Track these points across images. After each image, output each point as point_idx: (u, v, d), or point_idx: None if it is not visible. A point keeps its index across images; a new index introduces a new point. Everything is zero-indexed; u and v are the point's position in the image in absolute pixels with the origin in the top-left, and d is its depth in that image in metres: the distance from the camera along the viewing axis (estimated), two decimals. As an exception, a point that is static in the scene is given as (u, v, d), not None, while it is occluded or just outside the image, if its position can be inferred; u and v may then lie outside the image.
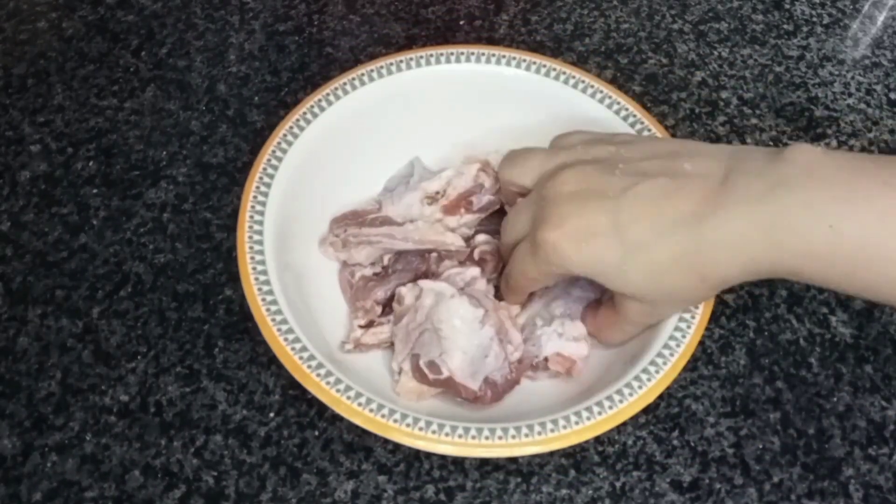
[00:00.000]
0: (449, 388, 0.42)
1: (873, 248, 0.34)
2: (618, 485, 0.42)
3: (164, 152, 0.55)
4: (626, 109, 0.49)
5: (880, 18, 0.65)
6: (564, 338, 0.43)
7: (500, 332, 0.43)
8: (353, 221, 0.48)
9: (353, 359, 0.44)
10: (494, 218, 0.50)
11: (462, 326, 0.43)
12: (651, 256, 0.37)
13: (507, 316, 0.45)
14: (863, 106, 0.59)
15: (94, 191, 0.53)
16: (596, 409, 0.39)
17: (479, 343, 0.43)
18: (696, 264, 0.37)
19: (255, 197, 0.45)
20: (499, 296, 0.47)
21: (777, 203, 0.35)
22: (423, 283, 0.44)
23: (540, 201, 0.40)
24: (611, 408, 0.39)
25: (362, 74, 0.50)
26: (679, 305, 0.41)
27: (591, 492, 0.42)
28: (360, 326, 0.45)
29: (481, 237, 0.48)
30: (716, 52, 0.62)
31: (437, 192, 0.48)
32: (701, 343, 0.46)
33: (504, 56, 0.51)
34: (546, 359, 0.43)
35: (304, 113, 0.48)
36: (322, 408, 0.43)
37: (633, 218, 0.37)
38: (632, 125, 0.49)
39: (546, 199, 0.40)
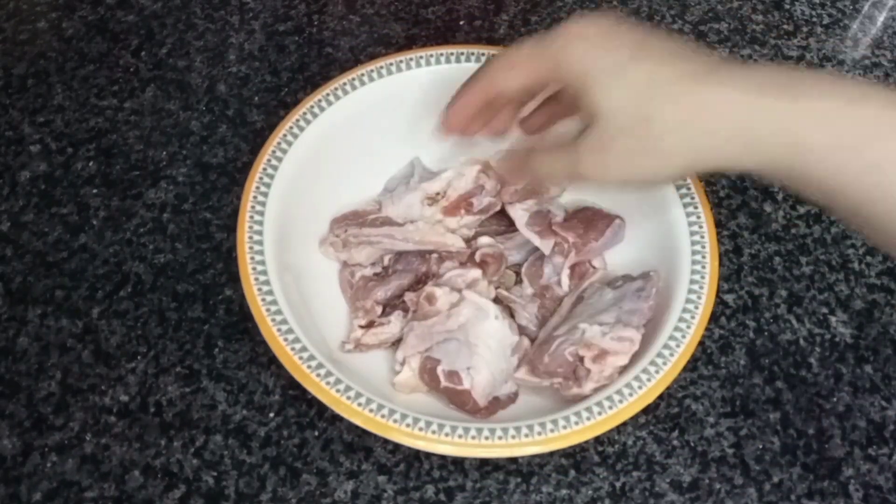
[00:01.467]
0: (455, 397, 0.42)
1: (893, 124, 0.33)
2: (618, 485, 0.42)
3: (164, 152, 0.55)
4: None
5: (880, 19, 0.65)
6: (609, 336, 0.41)
7: (520, 360, 0.44)
8: (353, 222, 0.48)
9: (352, 359, 0.44)
10: (494, 220, 0.50)
11: (496, 349, 0.43)
12: (655, 69, 0.36)
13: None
14: (863, 106, 0.59)
15: (94, 191, 0.53)
16: (596, 409, 0.39)
17: (505, 368, 0.43)
18: (694, 93, 0.35)
19: (255, 197, 0.45)
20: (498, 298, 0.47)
21: (800, 72, 0.37)
22: (467, 293, 0.44)
23: (564, 20, 0.39)
24: (611, 408, 0.39)
25: (362, 74, 0.50)
26: (637, 159, 0.37)
27: (591, 492, 0.42)
28: (361, 326, 0.45)
29: (484, 240, 0.48)
30: (716, 53, 0.62)
31: (438, 193, 0.48)
32: (701, 343, 0.46)
33: (504, 56, 0.51)
34: (581, 358, 0.41)
35: (304, 113, 0.48)
36: (322, 408, 0.43)
37: (654, 40, 0.37)
38: (632, 125, 0.49)
39: (571, 17, 0.39)
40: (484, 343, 0.42)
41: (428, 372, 0.42)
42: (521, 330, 0.46)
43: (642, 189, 0.40)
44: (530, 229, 0.48)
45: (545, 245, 0.47)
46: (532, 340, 0.45)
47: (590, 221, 0.47)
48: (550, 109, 0.45)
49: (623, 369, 0.41)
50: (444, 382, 0.42)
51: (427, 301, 0.44)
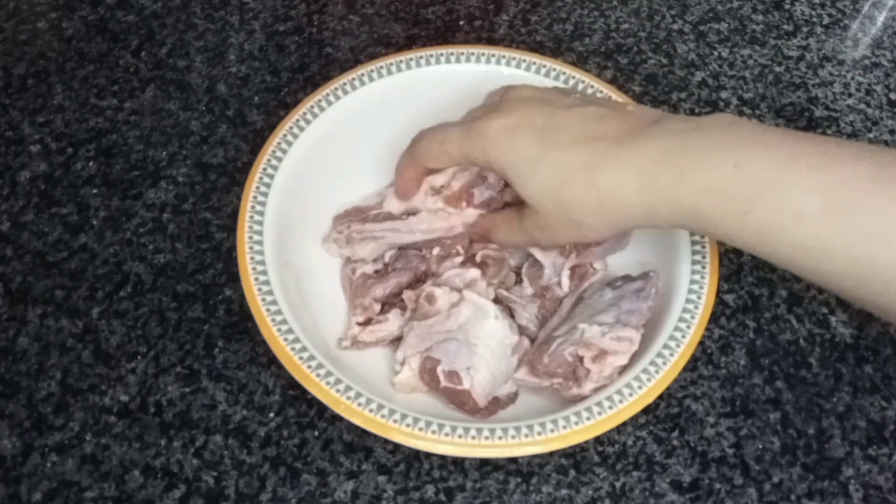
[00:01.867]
0: (455, 397, 0.42)
1: (773, 185, 0.35)
2: (618, 485, 0.42)
3: (164, 152, 0.55)
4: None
5: (880, 19, 0.65)
6: (609, 336, 0.41)
7: (520, 361, 0.44)
8: (356, 218, 0.48)
9: (352, 359, 0.44)
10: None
11: (496, 349, 0.43)
12: (560, 158, 0.39)
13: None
14: (862, 106, 0.59)
15: (94, 191, 0.53)
16: (596, 409, 0.39)
17: (505, 369, 0.43)
18: (598, 180, 0.38)
19: (254, 197, 0.45)
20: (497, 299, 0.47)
21: (691, 139, 0.37)
22: (467, 293, 0.44)
23: (496, 100, 0.43)
24: (611, 408, 0.39)
25: (362, 74, 0.50)
26: (573, 231, 0.41)
27: (591, 492, 0.42)
28: (358, 324, 0.45)
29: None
30: (716, 53, 0.62)
31: (442, 186, 0.48)
32: (701, 343, 0.46)
33: (504, 56, 0.51)
34: (581, 358, 0.41)
35: (304, 113, 0.48)
36: (322, 408, 0.43)
37: (564, 124, 0.39)
38: (632, 125, 0.49)
39: (503, 98, 0.42)
40: (484, 343, 0.42)
41: (428, 372, 0.42)
42: (522, 330, 0.46)
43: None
44: None
45: (545, 256, 0.47)
46: (532, 341, 0.45)
47: None
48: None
49: (623, 369, 0.41)
50: (443, 382, 0.42)
51: (427, 301, 0.44)
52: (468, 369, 0.42)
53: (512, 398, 0.43)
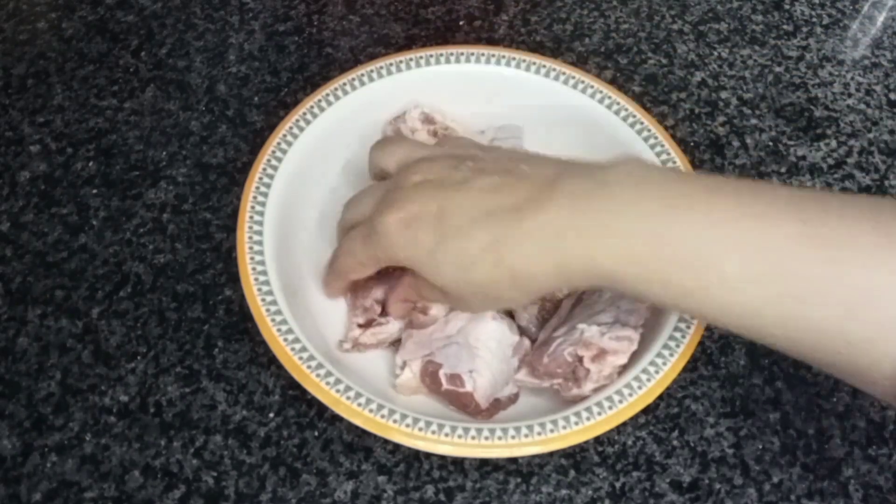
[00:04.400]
0: (457, 399, 0.42)
1: (692, 252, 0.34)
2: (618, 485, 0.42)
3: (164, 152, 0.55)
4: (626, 110, 0.49)
5: (880, 19, 0.65)
6: (608, 336, 0.41)
7: (521, 362, 0.44)
8: None
9: (352, 359, 0.44)
10: None
11: (497, 350, 0.43)
12: (461, 245, 0.37)
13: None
14: (862, 106, 0.59)
15: (94, 191, 0.53)
16: (596, 409, 0.39)
17: (506, 370, 0.43)
18: (505, 258, 0.37)
19: (254, 197, 0.45)
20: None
21: (597, 203, 0.35)
22: None
23: (390, 186, 0.41)
24: (611, 408, 0.39)
25: (362, 74, 0.50)
26: (493, 303, 0.41)
27: (590, 492, 0.42)
28: (359, 325, 0.45)
29: None
30: (715, 53, 0.62)
31: None
32: (701, 343, 0.46)
33: (504, 56, 0.51)
34: (581, 358, 0.41)
35: (304, 113, 0.48)
36: (322, 408, 0.43)
37: (457, 206, 0.38)
38: (631, 125, 0.49)
39: (395, 186, 0.40)
40: (484, 345, 0.42)
41: (429, 375, 0.42)
42: (522, 331, 0.46)
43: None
44: None
45: None
46: (532, 342, 0.45)
47: None
48: None
49: (622, 369, 0.41)
50: (446, 385, 0.42)
51: (421, 313, 0.44)
52: (471, 372, 0.41)
53: (513, 399, 0.43)
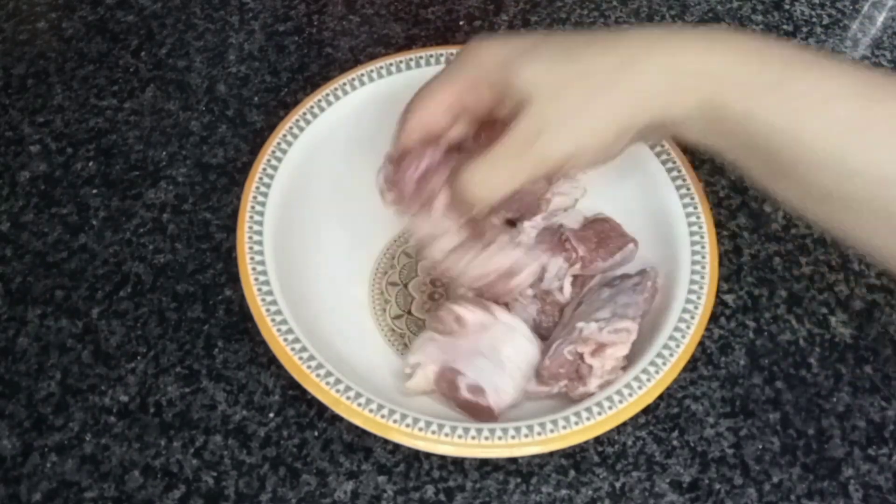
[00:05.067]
0: (473, 409, 0.41)
1: (801, 68, 0.35)
2: (617, 485, 0.42)
3: (164, 152, 0.55)
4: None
5: (880, 19, 0.65)
6: (606, 330, 0.41)
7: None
8: None
9: (352, 359, 0.44)
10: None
11: (527, 370, 0.42)
12: (559, 39, 0.38)
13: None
14: (862, 106, 0.59)
15: (94, 191, 0.53)
16: (596, 409, 0.39)
17: (524, 386, 0.43)
18: (620, 45, 0.37)
19: (254, 197, 0.45)
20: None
21: (712, 33, 0.37)
22: (499, 314, 0.43)
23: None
24: (611, 408, 0.39)
25: (362, 75, 0.50)
26: (570, 125, 0.37)
27: (590, 492, 0.42)
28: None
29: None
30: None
31: None
32: (701, 343, 0.46)
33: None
34: (581, 354, 0.41)
35: (304, 113, 0.48)
36: (322, 408, 0.43)
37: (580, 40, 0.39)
38: (632, 125, 0.49)
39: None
40: (516, 365, 0.42)
41: (447, 381, 0.41)
42: None
43: (593, 164, 0.39)
44: (539, 248, 0.46)
45: (555, 262, 0.46)
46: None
47: (604, 238, 0.47)
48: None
49: (627, 362, 0.41)
50: (465, 394, 0.41)
51: (456, 323, 0.43)
52: (496, 390, 0.41)
53: (514, 404, 0.43)
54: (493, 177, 0.38)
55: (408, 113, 0.41)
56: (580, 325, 0.42)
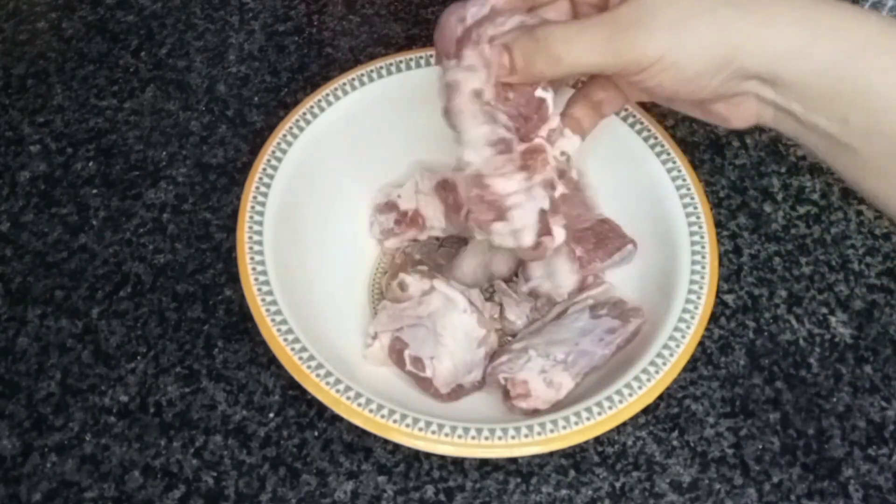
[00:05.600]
0: (418, 381, 0.43)
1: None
2: (617, 485, 0.42)
3: (164, 152, 0.55)
4: (626, 109, 0.49)
5: (880, 19, 0.65)
6: (543, 378, 0.41)
7: (488, 354, 0.44)
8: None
9: (352, 359, 0.44)
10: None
11: (462, 341, 0.43)
12: None
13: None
14: (862, 106, 0.59)
15: (94, 191, 0.53)
16: (596, 409, 0.39)
17: (470, 360, 0.43)
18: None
19: (254, 197, 0.45)
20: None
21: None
22: (437, 283, 0.44)
23: None
24: (611, 408, 0.39)
25: (362, 75, 0.50)
26: (663, 19, 0.34)
27: (590, 492, 0.42)
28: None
29: None
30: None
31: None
32: (701, 343, 0.46)
33: (504, 56, 0.51)
34: (505, 380, 0.42)
35: (304, 113, 0.48)
36: (322, 408, 0.43)
37: None
38: (631, 125, 0.49)
39: None
40: (451, 335, 0.43)
41: (396, 352, 0.43)
42: (509, 325, 0.46)
43: (677, 90, 0.36)
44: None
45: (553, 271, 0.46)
46: (513, 336, 0.46)
47: (602, 239, 0.47)
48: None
49: (538, 412, 0.41)
50: (408, 366, 0.43)
51: (399, 287, 0.45)
52: (431, 359, 0.42)
53: (477, 385, 0.44)
54: (579, 42, 0.35)
55: None
56: (532, 353, 0.42)
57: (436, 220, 0.49)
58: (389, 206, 0.49)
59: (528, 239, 0.39)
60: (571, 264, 0.46)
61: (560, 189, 0.39)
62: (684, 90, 0.35)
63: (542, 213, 0.39)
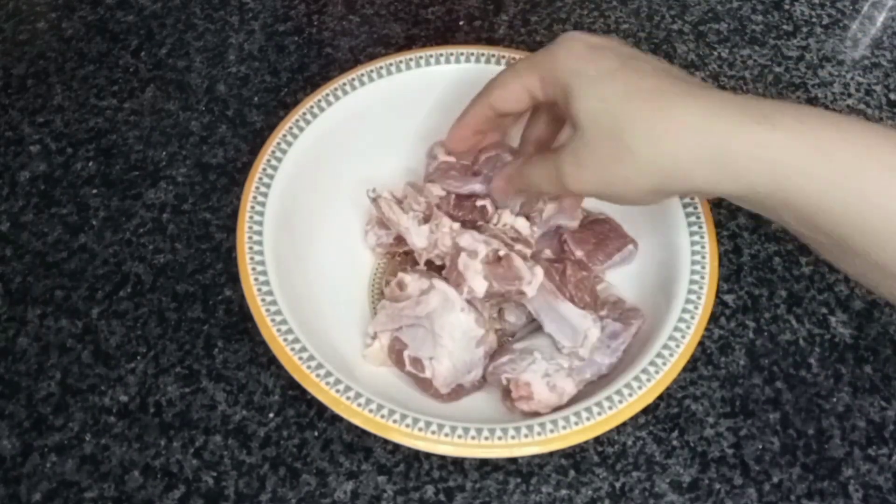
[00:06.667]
0: (418, 382, 0.43)
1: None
2: (617, 485, 0.42)
3: (164, 152, 0.55)
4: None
5: (880, 19, 0.65)
6: (546, 382, 0.41)
7: (487, 354, 0.44)
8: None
9: (352, 359, 0.44)
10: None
11: (461, 341, 0.43)
12: (639, 78, 0.37)
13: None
14: (862, 106, 0.59)
15: (94, 191, 0.53)
16: (596, 409, 0.39)
17: (469, 360, 0.43)
18: (674, 107, 0.35)
19: (254, 197, 0.45)
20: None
21: (770, 103, 0.35)
22: (436, 282, 0.44)
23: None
24: (611, 408, 0.39)
25: (362, 75, 0.50)
26: (611, 171, 0.37)
27: (590, 492, 0.42)
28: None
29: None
30: (715, 53, 0.62)
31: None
32: (701, 343, 0.46)
33: (504, 56, 0.51)
34: (508, 381, 0.42)
35: (304, 113, 0.48)
36: (322, 408, 0.43)
37: (647, 60, 0.38)
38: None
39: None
40: (449, 334, 0.43)
41: (395, 353, 0.43)
42: (510, 326, 0.46)
43: (618, 204, 0.40)
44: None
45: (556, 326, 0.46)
46: (512, 335, 0.46)
47: (602, 239, 0.47)
48: (544, 125, 0.46)
49: (538, 414, 0.41)
50: (408, 366, 0.43)
51: (398, 287, 0.45)
52: (430, 359, 0.42)
53: (477, 385, 0.44)
54: (537, 182, 0.42)
55: (484, 90, 0.44)
56: (537, 355, 0.42)
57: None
58: (382, 224, 0.49)
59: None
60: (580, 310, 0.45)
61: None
62: (631, 203, 0.39)
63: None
